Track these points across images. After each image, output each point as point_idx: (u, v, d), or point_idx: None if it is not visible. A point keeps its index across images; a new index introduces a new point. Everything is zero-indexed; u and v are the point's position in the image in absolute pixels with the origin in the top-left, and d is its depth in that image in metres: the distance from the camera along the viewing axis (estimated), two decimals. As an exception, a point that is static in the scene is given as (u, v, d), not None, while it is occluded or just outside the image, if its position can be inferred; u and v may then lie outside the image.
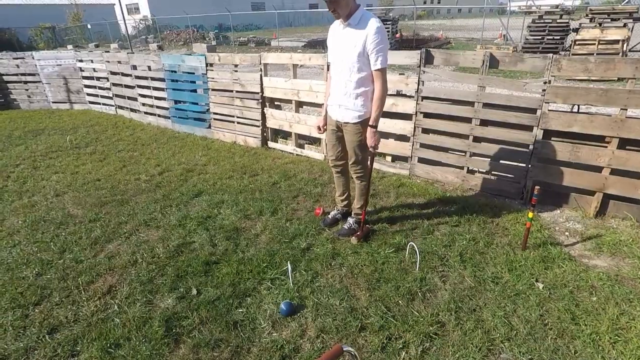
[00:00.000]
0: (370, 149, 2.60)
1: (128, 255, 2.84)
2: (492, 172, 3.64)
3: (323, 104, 2.89)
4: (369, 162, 2.77)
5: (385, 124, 4.02)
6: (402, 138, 4.01)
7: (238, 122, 5.36)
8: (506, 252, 2.69)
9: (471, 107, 3.51)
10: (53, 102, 8.34)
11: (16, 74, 8.34)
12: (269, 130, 5.14)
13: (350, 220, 3.02)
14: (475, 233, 2.94)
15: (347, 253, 2.73)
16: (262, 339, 2.04)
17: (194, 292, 2.42)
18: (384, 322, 2.10)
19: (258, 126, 5.16)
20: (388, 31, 15.59)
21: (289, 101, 4.81)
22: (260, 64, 4.83)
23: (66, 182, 4.27)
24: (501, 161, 3.54)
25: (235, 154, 5.00)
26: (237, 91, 5.20)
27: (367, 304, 2.24)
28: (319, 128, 2.87)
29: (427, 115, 3.77)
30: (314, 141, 4.90)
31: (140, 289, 2.47)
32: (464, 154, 3.68)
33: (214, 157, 4.91)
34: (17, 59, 8.25)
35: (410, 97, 3.85)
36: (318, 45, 19.13)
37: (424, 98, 3.74)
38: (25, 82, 8.38)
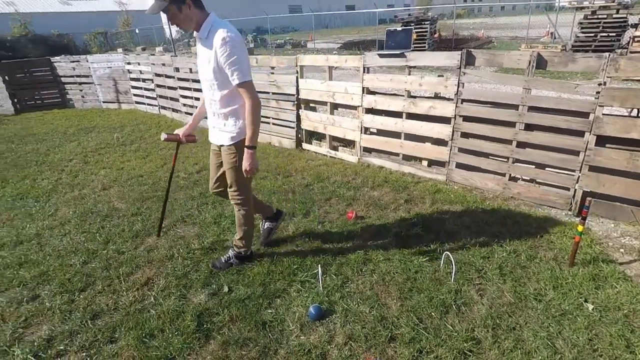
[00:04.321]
0: (244, 173, 2.24)
1: (165, 249, 2.94)
2: (537, 181, 3.43)
3: (194, 115, 2.66)
4: (248, 188, 2.50)
5: (422, 128, 3.91)
6: (439, 142, 3.88)
7: (273, 123, 5.43)
8: (551, 267, 2.51)
9: (515, 110, 3.33)
10: (103, 102, 8.87)
11: (72, 76, 8.96)
12: (304, 131, 5.16)
13: (230, 252, 2.68)
14: (516, 245, 2.77)
15: (379, 259, 2.67)
16: (290, 342, 2.03)
17: (226, 289, 2.45)
18: (415, 334, 2.02)
19: (293, 127, 5.20)
20: (426, 31, 15.19)
21: (324, 103, 4.80)
22: (297, 66, 4.86)
23: (112, 177, 4.51)
24: (547, 169, 3.33)
25: (270, 154, 5.06)
26: (273, 93, 5.27)
27: (398, 313, 2.17)
28: (176, 136, 2.62)
29: (466, 118, 3.62)
30: (348, 144, 4.86)
31: (175, 282, 2.55)
32: (505, 160, 3.50)
33: (250, 157, 4.99)
34: (73, 62, 8.87)
35: (449, 99, 3.72)
36: (354, 47, 19.04)
37: (463, 101, 3.60)
38: (80, 84, 8.99)
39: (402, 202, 3.50)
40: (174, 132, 2.66)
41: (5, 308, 2.39)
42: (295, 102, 5.04)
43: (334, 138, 4.90)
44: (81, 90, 9.04)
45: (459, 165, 3.80)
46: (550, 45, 13.74)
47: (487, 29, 23.15)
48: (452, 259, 2.38)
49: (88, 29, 30.74)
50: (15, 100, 8.86)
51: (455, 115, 3.65)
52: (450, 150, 3.77)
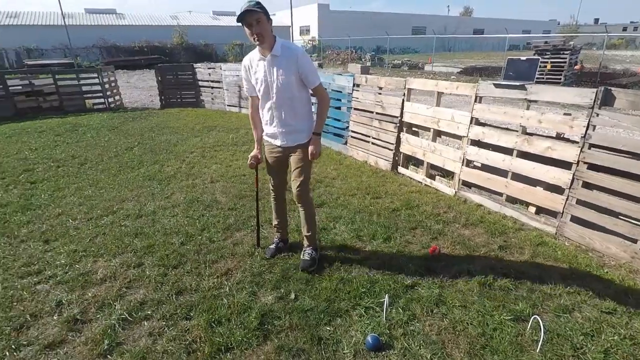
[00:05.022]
0: (310, 157, 2.64)
1: (249, 246, 3.17)
2: (682, 255, 2.75)
3: (255, 137, 2.88)
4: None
5: (534, 169, 3.49)
6: (553, 189, 3.39)
7: (372, 143, 5.44)
8: (682, 369, 1.97)
9: (662, 166, 2.73)
10: (227, 105, 10.04)
11: (207, 81, 10.39)
12: (401, 155, 5.05)
13: (309, 250, 2.91)
14: (636, 330, 2.24)
15: (454, 304, 2.44)
16: (341, 366, 1.99)
17: (292, 296, 2.53)
18: (479, 398, 1.79)
19: (391, 150, 5.13)
20: (564, 61, 13.65)
21: (428, 129, 4.64)
22: (405, 88, 4.81)
23: (220, 172, 5.05)
24: (699, 244, 2.64)
25: (363, 173, 5.07)
26: (377, 113, 5.30)
27: (464, 370, 1.95)
28: (256, 158, 2.85)
29: (593, 166, 3.10)
30: (447, 174, 4.59)
31: (249, 279, 2.72)
32: (640, 223, 2.89)
33: (344, 172, 5.08)
34: (210, 68, 10.30)
35: (573, 142, 3.24)
36: (475, 73, 18.03)
37: (592, 146, 3.10)
38: (212, 87, 10.35)
39: (495, 247, 3.16)
40: (252, 160, 2.88)
41: (118, 268, 2.85)
42: (398, 125, 4.98)
43: (432, 166, 4.69)
44: (212, 94, 10.40)
45: (575, 219, 3.26)
46: None
47: (648, 65, 19.61)
48: (542, 326, 2.04)
49: (229, 40, 35.49)
50: (162, 97, 10.64)
51: (578, 160, 3.17)
52: (567, 200, 3.27)
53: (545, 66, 13.71)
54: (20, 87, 9.70)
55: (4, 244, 3.23)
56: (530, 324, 2.21)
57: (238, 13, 2.30)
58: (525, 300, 2.47)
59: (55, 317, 2.36)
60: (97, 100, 10.40)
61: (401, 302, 2.46)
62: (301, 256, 2.91)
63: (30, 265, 2.91)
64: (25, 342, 2.16)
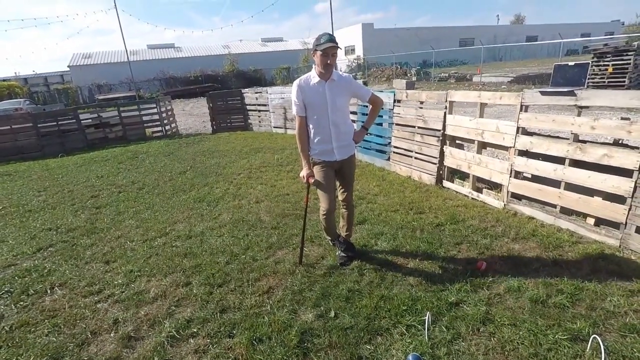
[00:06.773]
0: (355, 142, 3.06)
1: (290, 264, 3.22)
2: None
3: (304, 155, 2.94)
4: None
5: (590, 179, 3.23)
6: (613, 198, 3.11)
7: (415, 157, 5.36)
8: None
9: None
10: (274, 127, 10.43)
11: (254, 104, 10.89)
12: (446, 168, 4.91)
13: (346, 246, 3.24)
14: None
15: (502, 322, 2.30)
16: (381, 386, 1.94)
17: (332, 314, 2.52)
18: None
19: (435, 163, 5.02)
20: (628, 63, 12.53)
21: (472, 141, 4.49)
22: (446, 101, 4.72)
23: (265, 192, 5.23)
24: None
25: (407, 188, 4.99)
26: (419, 127, 5.23)
27: (512, 394, 1.82)
28: (311, 175, 2.94)
29: (659, 172, 2.82)
30: (495, 187, 4.38)
31: (290, 297, 2.76)
32: None
33: (386, 188, 5.04)
34: (257, 93, 10.82)
35: (633, 148, 2.97)
36: (528, 81, 17.12)
37: (656, 150, 2.82)
38: (259, 111, 10.82)
39: (548, 262, 2.94)
40: (308, 178, 2.91)
41: (168, 287, 3.02)
42: (440, 138, 4.87)
43: (478, 179, 4.50)
44: (259, 117, 10.88)
45: (642, 231, 2.96)
46: None
47: None
48: (603, 347, 1.86)
49: (277, 64, 37.07)
50: (214, 122, 11.31)
51: (641, 167, 2.89)
52: (630, 209, 2.98)
53: (607, 69, 12.68)
54: (90, 120, 10.85)
55: (71, 266, 3.56)
56: (589, 344, 2.03)
57: (320, 42, 2.66)
58: (585, 319, 2.28)
59: (112, 335, 2.52)
60: (155, 129, 11.31)
61: (445, 320, 2.36)
62: (341, 251, 3.24)
63: (92, 285, 3.17)
64: (86, 358, 2.33)
